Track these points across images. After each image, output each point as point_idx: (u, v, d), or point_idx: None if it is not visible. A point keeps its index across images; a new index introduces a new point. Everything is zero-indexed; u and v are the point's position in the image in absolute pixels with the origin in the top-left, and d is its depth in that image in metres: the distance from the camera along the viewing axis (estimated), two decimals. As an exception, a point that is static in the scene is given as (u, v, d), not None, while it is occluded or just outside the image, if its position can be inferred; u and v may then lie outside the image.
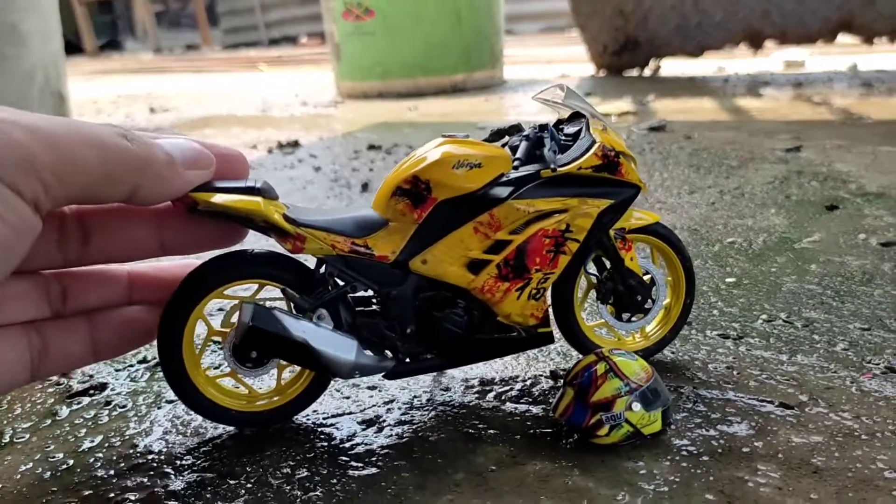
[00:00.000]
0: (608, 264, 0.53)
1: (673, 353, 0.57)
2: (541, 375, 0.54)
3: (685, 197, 1.03)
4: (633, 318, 0.54)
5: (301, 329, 0.43)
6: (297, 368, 0.49)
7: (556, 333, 0.52)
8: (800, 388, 0.51)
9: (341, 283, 0.46)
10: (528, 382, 0.53)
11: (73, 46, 6.24)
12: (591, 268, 0.54)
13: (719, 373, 0.53)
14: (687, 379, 0.52)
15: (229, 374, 0.47)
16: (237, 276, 0.45)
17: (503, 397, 0.51)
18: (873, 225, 0.85)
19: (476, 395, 0.52)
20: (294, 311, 0.45)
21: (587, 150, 0.47)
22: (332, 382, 0.54)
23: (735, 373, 0.53)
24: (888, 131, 1.44)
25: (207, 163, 0.40)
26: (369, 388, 0.54)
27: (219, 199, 0.40)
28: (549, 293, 0.50)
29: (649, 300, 0.53)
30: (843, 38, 2.50)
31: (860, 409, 0.47)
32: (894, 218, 0.87)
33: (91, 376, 0.57)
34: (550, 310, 0.51)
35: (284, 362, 0.48)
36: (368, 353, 0.46)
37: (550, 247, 0.47)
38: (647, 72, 2.84)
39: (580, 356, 0.56)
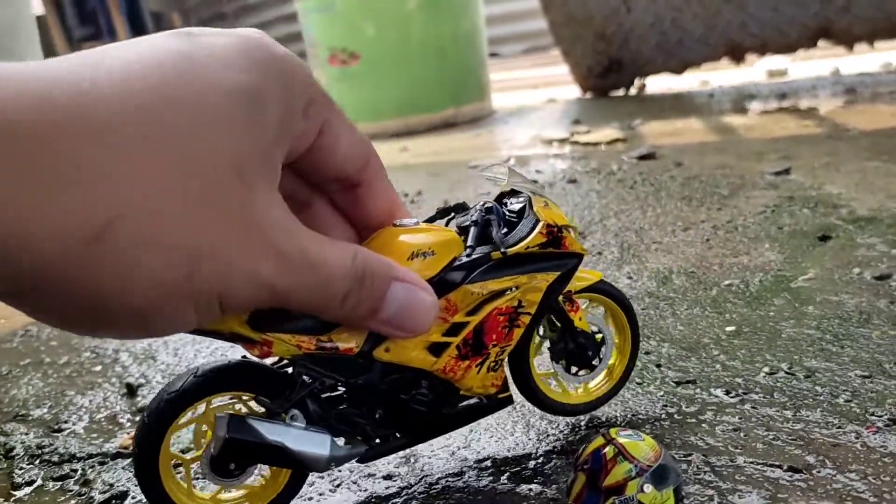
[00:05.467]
0: (559, 325, 0.55)
1: (680, 415, 0.58)
2: (551, 452, 0.55)
3: (679, 235, 1.05)
4: (589, 372, 0.57)
5: (276, 433, 0.44)
6: (266, 475, 0.50)
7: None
8: (806, 447, 0.52)
9: (309, 379, 0.46)
10: (541, 460, 0.54)
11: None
12: (542, 330, 0.57)
13: (727, 436, 0.54)
14: (695, 445, 0.53)
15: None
16: (206, 392, 0.46)
17: (517, 478, 0.52)
18: (866, 256, 0.86)
19: (490, 478, 0.53)
20: (267, 416, 0.46)
21: (532, 229, 0.49)
22: (349, 473, 0.55)
23: (742, 434, 0.54)
24: (873, 144, 1.46)
25: (413, 328, 0.41)
26: (385, 477, 0.55)
27: None
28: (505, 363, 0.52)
29: (601, 350, 0.57)
30: (823, 44, 2.53)
31: (867, 469, 0.48)
32: (886, 247, 0.88)
33: (111, 485, 0.58)
34: (508, 375, 0.53)
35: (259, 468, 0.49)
36: (341, 443, 0.47)
37: (505, 323, 0.49)
38: (633, 91, 2.87)
39: (589, 426, 0.57)
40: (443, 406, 0.49)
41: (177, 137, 0.28)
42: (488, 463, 0.55)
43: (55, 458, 0.63)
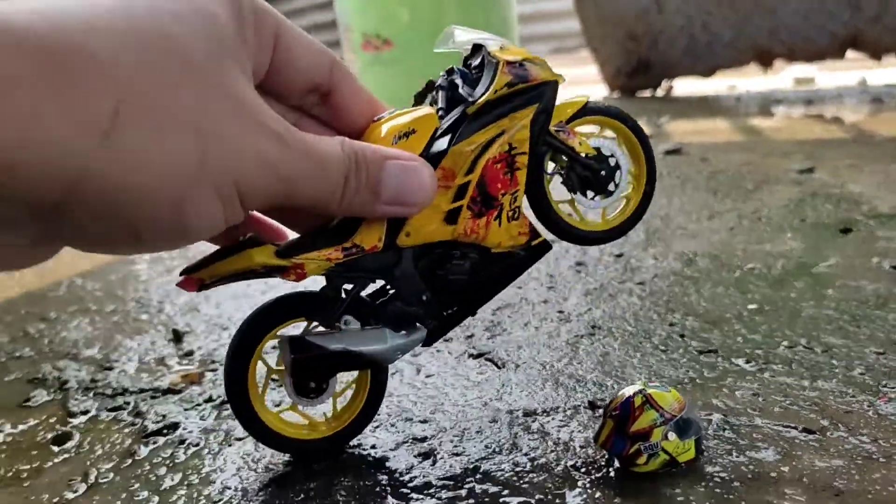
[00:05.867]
0: (565, 159, 0.54)
1: (702, 380, 0.61)
2: (580, 406, 0.58)
3: (705, 223, 1.07)
4: (618, 182, 0.55)
5: (335, 340, 0.48)
6: (349, 394, 0.54)
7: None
8: (821, 412, 0.55)
9: (350, 286, 0.50)
10: (569, 413, 0.58)
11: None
12: (551, 166, 0.55)
13: (746, 399, 0.57)
14: (716, 407, 0.57)
15: (292, 409, 0.53)
16: (261, 335, 0.50)
17: (546, 427, 0.56)
18: (886, 247, 0.89)
19: (521, 427, 0.56)
20: (324, 329, 0.50)
21: (494, 73, 0.49)
22: (392, 418, 0.58)
23: (760, 399, 0.57)
24: (900, 149, 1.48)
25: (417, 200, 0.44)
26: (421, 422, 0.58)
27: (218, 268, 0.44)
28: (525, 209, 0.52)
29: (611, 159, 0.55)
30: (852, 54, 2.54)
31: (878, 433, 0.51)
32: (907, 241, 0.91)
33: (164, 416, 0.61)
34: (538, 221, 0.54)
35: (336, 392, 0.53)
36: (400, 333, 0.50)
37: (504, 169, 0.49)
38: (661, 92, 2.89)
39: (615, 386, 0.60)
40: (481, 269, 0.51)
41: (150, 34, 0.30)
42: (519, 413, 0.58)
43: (108, 392, 0.67)
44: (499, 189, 0.49)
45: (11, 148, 0.26)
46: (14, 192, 0.27)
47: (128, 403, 0.64)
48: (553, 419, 0.57)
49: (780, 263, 0.87)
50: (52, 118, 0.27)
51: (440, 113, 0.48)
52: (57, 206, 0.29)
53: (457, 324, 0.53)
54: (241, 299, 0.88)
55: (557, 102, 0.52)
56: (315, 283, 0.48)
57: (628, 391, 0.51)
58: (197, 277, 0.45)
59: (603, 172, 0.55)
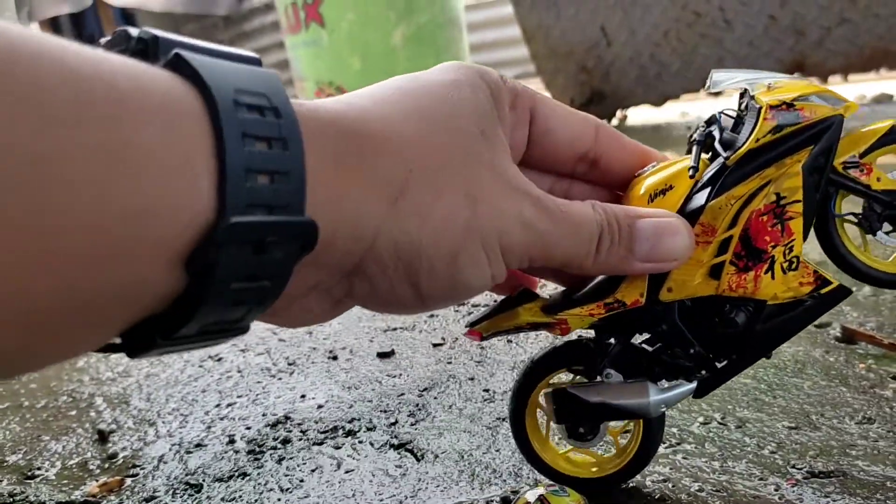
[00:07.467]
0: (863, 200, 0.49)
1: (616, 465, 0.61)
2: (492, 501, 0.59)
3: (640, 278, 1.08)
4: None
5: (594, 393, 0.50)
6: (628, 435, 0.56)
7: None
8: (729, 499, 0.55)
9: (615, 340, 0.51)
10: (481, 510, 0.58)
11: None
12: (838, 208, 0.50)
13: (655, 486, 0.58)
14: (626, 497, 0.57)
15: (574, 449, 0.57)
16: (534, 384, 0.55)
17: (458, 528, 0.56)
18: (810, 303, 0.90)
19: (433, 528, 0.56)
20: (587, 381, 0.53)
21: (756, 120, 0.45)
22: None
23: (670, 485, 0.58)
24: (838, 182, 1.50)
25: (673, 255, 0.43)
26: (335, 526, 0.58)
27: (492, 324, 0.49)
28: (804, 257, 0.47)
29: None
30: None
31: (780, 521, 0.52)
32: (831, 293, 0.92)
33: (77, 534, 0.61)
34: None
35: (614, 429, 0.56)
36: (663, 385, 0.51)
37: (772, 221, 0.45)
38: (615, 122, 2.93)
39: (530, 475, 0.61)
40: (755, 323, 0.48)
41: (427, 116, 0.36)
42: (433, 512, 0.58)
43: (25, 507, 0.66)
44: (767, 242, 0.45)
45: (332, 224, 0.30)
46: (330, 260, 0.32)
47: (43, 519, 0.64)
48: (466, 518, 0.57)
49: (706, 325, 0.88)
50: (359, 193, 0.32)
51: (691, 172, 0.45)
52: (357, 266, 0.34)
53: (735, 374, 0.51)
54: (173, 388, 0.87)
55: (859, 130, 0.48)
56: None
57: (529, 496, 0.52)
58: (478, 330, 0.49)
59: None
